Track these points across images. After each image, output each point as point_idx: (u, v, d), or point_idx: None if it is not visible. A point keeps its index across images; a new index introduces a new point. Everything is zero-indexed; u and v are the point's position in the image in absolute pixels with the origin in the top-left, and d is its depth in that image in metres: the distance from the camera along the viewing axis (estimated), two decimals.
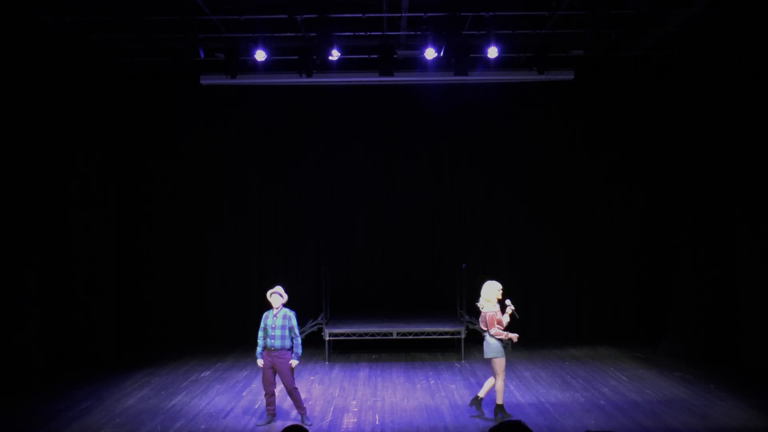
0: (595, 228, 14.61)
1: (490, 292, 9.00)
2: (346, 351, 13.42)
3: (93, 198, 13.08)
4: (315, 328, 13.42)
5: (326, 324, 13.03)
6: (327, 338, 12.68)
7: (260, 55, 11.64)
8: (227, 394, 10.53)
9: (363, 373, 11.90)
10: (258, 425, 8.97)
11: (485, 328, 9.01)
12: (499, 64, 12.58)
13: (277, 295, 8.89)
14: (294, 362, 8.87)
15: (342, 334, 12.85)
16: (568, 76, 13.21)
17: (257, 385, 11.09)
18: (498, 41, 11.39)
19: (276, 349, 8.76)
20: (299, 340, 8.94)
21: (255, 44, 11.54)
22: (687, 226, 12.88)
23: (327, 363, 12.58)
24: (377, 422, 9.11)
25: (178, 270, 14.56)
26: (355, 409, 9.71)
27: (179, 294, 14.49)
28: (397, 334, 12.80)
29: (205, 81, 13.26)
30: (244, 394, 10.54)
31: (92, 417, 9.41)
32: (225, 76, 12.43)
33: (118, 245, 13.77)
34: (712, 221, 12.33)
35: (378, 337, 12.91)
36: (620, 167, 14.57)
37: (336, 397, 10.33)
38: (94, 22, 11.50)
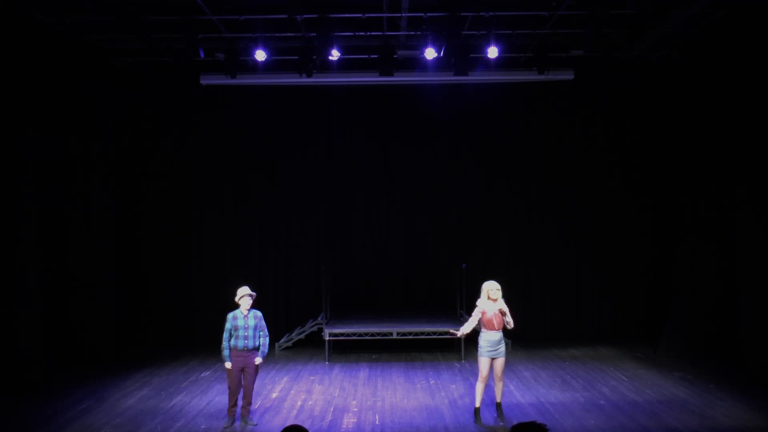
0: (595, 228, 14.62)
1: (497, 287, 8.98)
2: (346, 351, 13.41)
3: (92, 198, 13.06)
4: (315, 328, 13.43)
5: (326, 324, 13.03)
6: (327, 338, 12.68)
7: (260, 55, 11.63)
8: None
9: (363, 373, 11.90)
10: (224, 428, 8.93)
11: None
12: (499, 64, 12.58)
13: (248, 297, 9.02)
14: (259, 360, 9.03)
15: (342, 334, 12.85)
16: (568, 76, 13.22)
17: (256, 385, 11.07)
18: (498, 41, 11.38)
19: (249, 350, 8.91)
20: (267, 339, 9.13)
21: (255, 44, 11.52)
22: (687, 225, 12.88)
23: (327, 363, 12.57)
24: (377, 422, 9.12)
25: (177, 270, 14.55)
26: (355, 409, 9.71)
27: (179, 294, 14.49)
28: (397, 334, 12.80)
29: (205, 81, 13.28)
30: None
31: (92, 417, 9.42)
32: (225, 76, 12.42)
33: (118, 245, 13.74)
34: (712, 220, 12.33)
35: (378, 337, 12.91)
36: (620, 167, 14.59)
37: (336, 397, 10.34)
38: (94, 22, 11.47)
